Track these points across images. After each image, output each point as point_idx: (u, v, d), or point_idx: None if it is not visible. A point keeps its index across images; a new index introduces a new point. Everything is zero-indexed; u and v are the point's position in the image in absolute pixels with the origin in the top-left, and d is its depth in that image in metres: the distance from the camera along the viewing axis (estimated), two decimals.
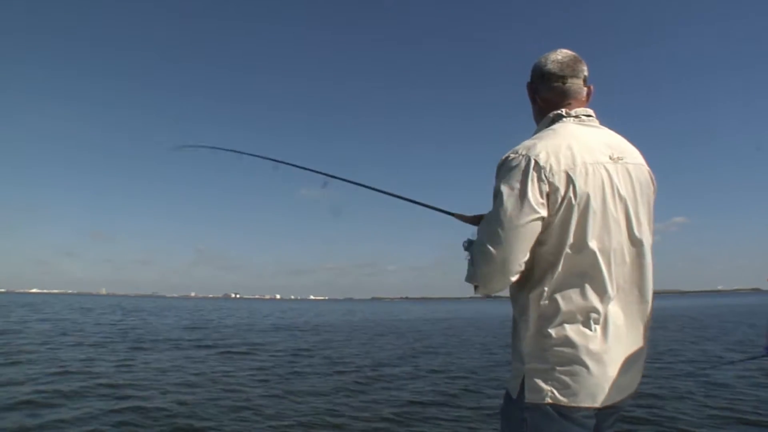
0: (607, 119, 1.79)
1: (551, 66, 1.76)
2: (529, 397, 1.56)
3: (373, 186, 2.22)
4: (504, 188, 1.58)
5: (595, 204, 1.55)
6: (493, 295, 1.72)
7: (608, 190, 1.57)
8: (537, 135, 1.70)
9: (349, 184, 2.30)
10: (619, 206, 1.59)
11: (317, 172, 2.36)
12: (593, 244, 1.54)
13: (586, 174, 1.55)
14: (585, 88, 1.78)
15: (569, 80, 1.75)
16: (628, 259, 1.60)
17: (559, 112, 1.74)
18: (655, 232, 1.70)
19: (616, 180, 1.60)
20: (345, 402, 7.15)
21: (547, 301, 1.57)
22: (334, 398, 7.40)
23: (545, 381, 1.54)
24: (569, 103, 1.75)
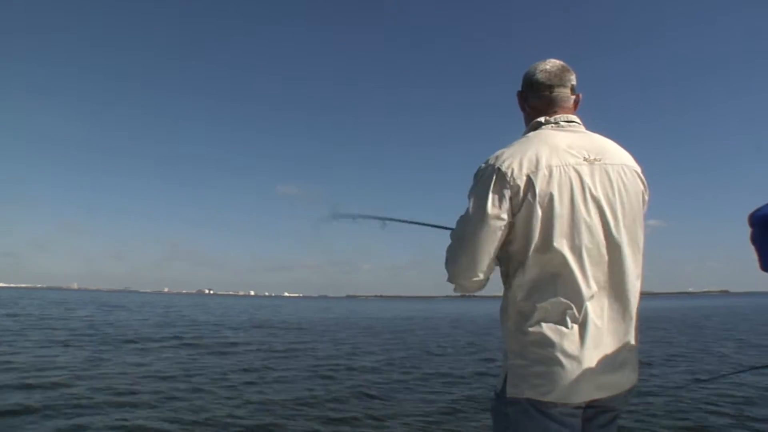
0: (595, 123, 1.83)
1: (539, 75, 1.82)
2: (510, 392, 1.63)
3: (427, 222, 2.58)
4: (470, 196, 1.68)
5: (560, 205, 1.59)
6: (469, 294, 1.82)
7: (577, 191, 1.61)
8: (511, 144, 1.75)
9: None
10: (592, 206, 1.62)
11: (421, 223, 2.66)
12: (561, 243, 1.59)
13: (550, 176, 1.60)
14: (572, 97, 1.83)
15: (556, 89, 1.80)
16: (606, 258, 1.62)
17: (539, 120, 1.80)
18: None
19: (588, 181, 1.63)
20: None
21: (522, 300, 1.64)
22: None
23: (523, 377, 1.60)
24: (555, 111, 1.81)
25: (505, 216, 1.62)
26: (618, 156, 1.73)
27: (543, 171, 1.60)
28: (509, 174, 1.61)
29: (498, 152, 1.71)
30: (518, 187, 1.60)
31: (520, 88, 1.93)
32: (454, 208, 1.82)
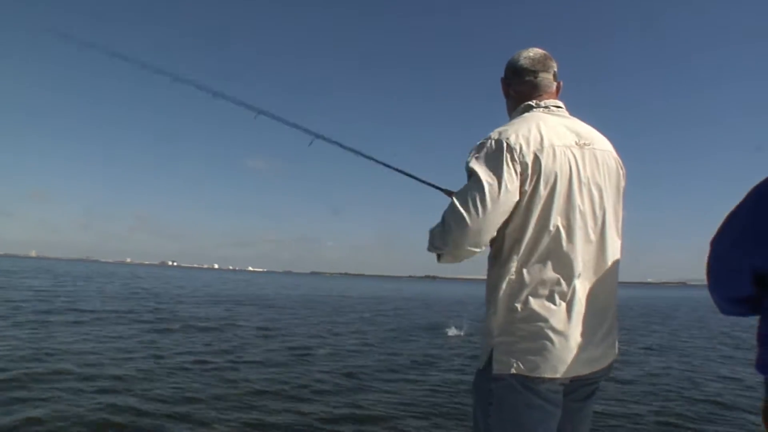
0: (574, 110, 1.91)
1: (524, 62, 1.88)
2: (496, 368, 1.64)
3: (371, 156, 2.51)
4: (481, 168, 1.65)
5: (560, 184, 1.64)
6: (454, 262, 1.80)
7: (574, 172, 1.66)
8: (508, 123, 1.79)
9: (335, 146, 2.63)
10: (584, 188, 1.67)
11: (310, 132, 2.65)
12: (557, 222, 1.63)
13: (554, 155, 1.64)
14: (555, 83, 1.90)
15: (540, 74, 1.87)
16: (593, 238, 1.68)
17: (529, 103, 1.85)
18: None
19: (581, 163, 1.69)
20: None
21: (514, 277, 1.65)
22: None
23: (511, 353, 1.62)
24: (540, 95, 1.86)
25: (516, 191, 1.63)
26: (603, 142, 1.81)
27: (547, 150, 1.64)
28: (518, 150, 1.63)
29: (499, 129, 1.73)
30: (526, 164, 1.62)
31: (503, 75, 1.98)
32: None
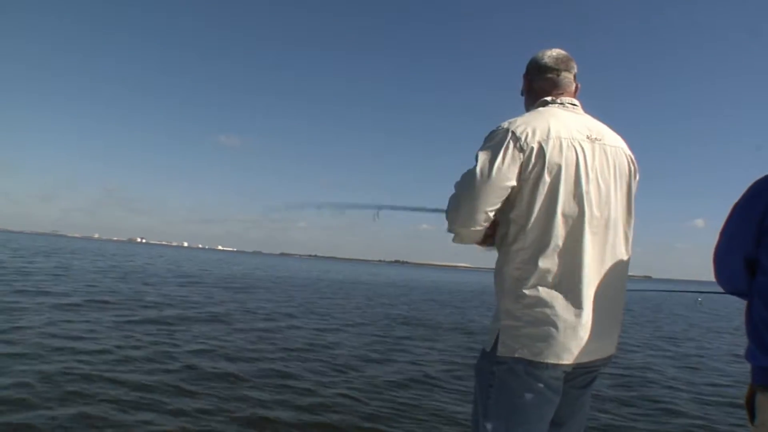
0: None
1: (547, 60, 1.95)
2: (501, 351, 1.71)
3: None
4: (482, 153, 1.74)
5: (566, 175, 1.68)
6: (461, 243, 1.88)
7: (581, 165, 1.71)
8: (523, 114, 1.85)
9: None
10: (591, 181, 1.72)
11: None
12: (563, 211, 1.68)
13: (560, 147, 1.69)
14: (574, 84, 1.96)
15: (562, 73, 1.93)
16: (600, 230, 1.73)
17: (545, 98, 1.91)
18: None
19: (590, 156, 1.74)
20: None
21: (521, 264, 1.71)
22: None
23: (516, 338, 1.68)
24: (558, 93, 1.92)
25: (512, 178, 1.69)
26: (615, 139, 1.86)
27: (553, 140, 1.69)
28: (523, 138, 1.68)
29: (511, 119, 1.78)
30: (530, 152, 1.67)
31: (525, 72, 2.03)
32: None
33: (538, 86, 1.97)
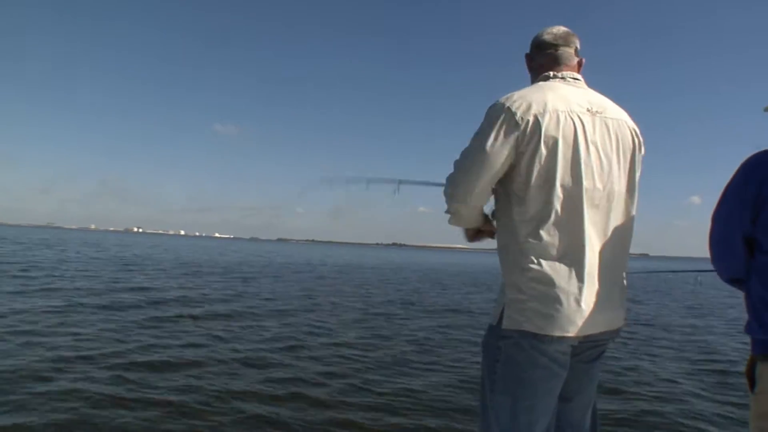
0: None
1: (546, 36, 1.96)
2: (506, 325, 1.72)
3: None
4: (479, 129, 1.76)
5: (563, 148, 1.68)
6: (458, 224, 1.95)
7: (580, 137, 1.70)
8: (523, 88, 1.83)
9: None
10: (592, 154, 1.71)
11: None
12: (561, 184, 1.68)
13: (557, 120, 1.69)
14: (576, 58, 1.96)
15: (561, 48, 1.93)
16: (603, 203, 1.73)
17: (546, 73, 1.91)
18: None
19: (589, 129, 1.72)
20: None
21: (523, 237, 1.71)
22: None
23: (521, 311, 1.68)
24: (559, 68, 1.92)
25: (506, 152, 1.70)
26: (618, 112, 1.85)
27: (550, 113, 1.68)
28: (518, 113, 1.68)
29: (508, 94, 1.78)
30: (525, 126, 1.67)
31: (528, 51, 2.04)
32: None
33: (539, 63, 1.97)
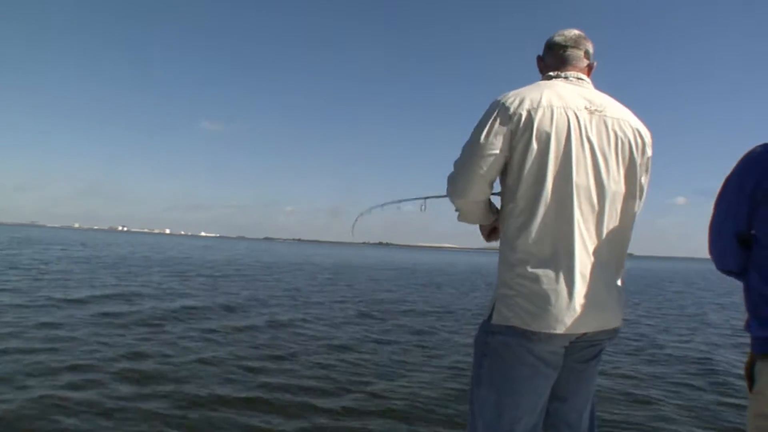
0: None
1: (557, 38, 1.97)
2: (495, 320, 1.74)
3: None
4: (476, 126, 1.78)
5: (555, 143, 1.68)
6: (464, 220, 1.98)
7: (574, 134, 1.69)
8: (520, 88, 1.84)
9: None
10: (588, 150, 1.71)
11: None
12: (553, 180, 1.68)
13: (551, 116, 1.69)
14: (585, 60, 1.95)
15: (569, 49, 1.94)
16: (596, 201, 1.72)
17: (550, 73, 1.92)
18: None
19: (586, 126, 1.72)
20: None
21: (513, 232, 1.72)
22: None
23: (509, 306, 1.70)
24: (565, 68, 1.92)
25: (499, 146, 1.71)
26: (620, 112, 1.83)
27: (543, 109, 1.69)
28: (511, 109, 1.70)
29: (507, 92, 1.80)
30: (518, 121, 1.69)
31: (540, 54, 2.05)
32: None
33: (548, 63, 1.99)
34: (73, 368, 5.19)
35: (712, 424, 4.53)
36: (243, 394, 4.70)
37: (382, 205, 2.80)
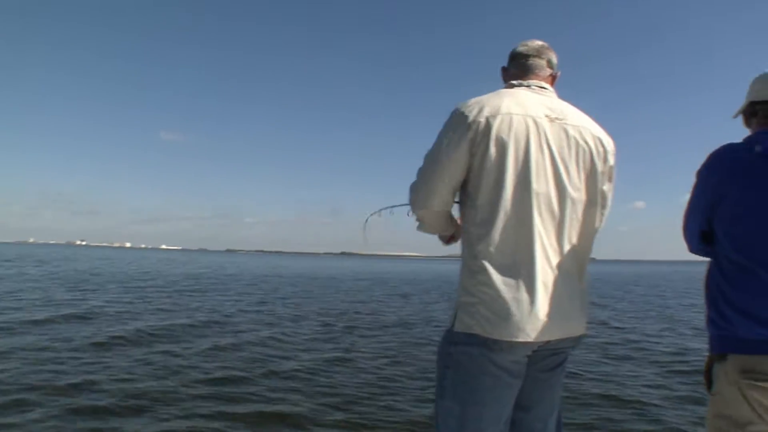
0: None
1: (520, 48, 1.99)
2: (457, 327, 1.72)
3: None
4: (438, 135, 1.78)
5: (514, 150, 1.68)
6: (426, 231, 1.98)
7: (533, 141, 1.70)
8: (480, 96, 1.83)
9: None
10: (547, 157, 1.71)
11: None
12: (512, 188, 1.67)
13: (510, 123, 1.69)
14: (548, 69, 1.96)
15: (532, 59, 1.95)
16: (557, 208, 1.71)
17: (513, 82, 1.93)
18: None
19: (545, 133, 1.72)
20: None
21: (473, 239, 1.72)
22: None
23: (471, 314, 1.68)
24: (527, 77, 1.93)
25: (459, 154, 1.71)
26: (580, 119, 1.82)
27: (502, 116, 1.69)
28: (470, 117, 1.70)
29: (466, 100, 1.79)
30: (477, 128, 1.69)
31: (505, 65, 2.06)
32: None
33: (511, 73, 1.99)
34: (16, 404, 4.66)
35: (687, 419, 4.66)
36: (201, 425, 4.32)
37: (379, 213, 2.66)
